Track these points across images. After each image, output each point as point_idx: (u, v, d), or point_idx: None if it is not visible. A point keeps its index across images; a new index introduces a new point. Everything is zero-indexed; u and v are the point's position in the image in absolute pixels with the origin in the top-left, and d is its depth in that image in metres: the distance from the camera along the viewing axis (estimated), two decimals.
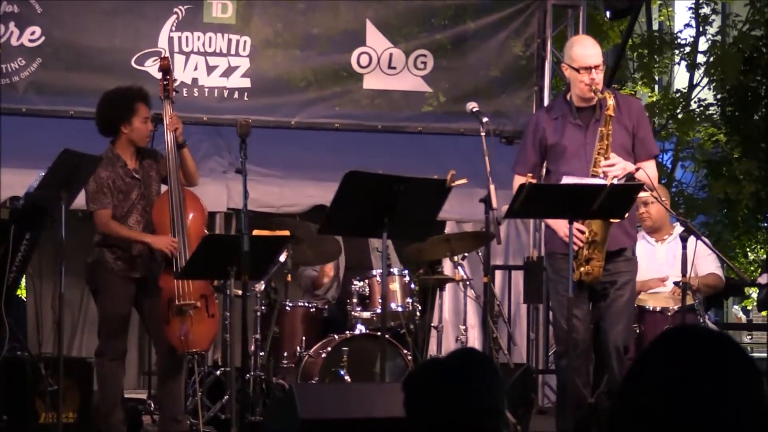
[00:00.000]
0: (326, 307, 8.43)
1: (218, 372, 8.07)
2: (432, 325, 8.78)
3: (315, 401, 5.87)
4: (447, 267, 9.31)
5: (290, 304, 8.23)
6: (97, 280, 7.29)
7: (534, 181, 6.60)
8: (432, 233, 7.83)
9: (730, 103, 17.54)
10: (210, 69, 9.72)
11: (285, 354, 8.14)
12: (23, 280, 8.25)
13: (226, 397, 7.69)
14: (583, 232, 6.62)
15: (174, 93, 7.51)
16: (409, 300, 8.09)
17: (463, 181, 6.93)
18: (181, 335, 7.19)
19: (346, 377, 7.67)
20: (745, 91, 17.29)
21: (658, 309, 7.84)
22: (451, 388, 2.76)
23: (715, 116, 17.68)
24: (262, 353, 7.98)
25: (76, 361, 8.06)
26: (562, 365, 6.86)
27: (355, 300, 8.08)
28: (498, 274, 10.06)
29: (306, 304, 8.32)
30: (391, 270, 8.07)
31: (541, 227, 8.66)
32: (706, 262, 8.17)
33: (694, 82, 17.53)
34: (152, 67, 9.37)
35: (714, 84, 17.26)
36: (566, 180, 6.63)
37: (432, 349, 8.76)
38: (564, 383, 6.92)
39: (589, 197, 6.37)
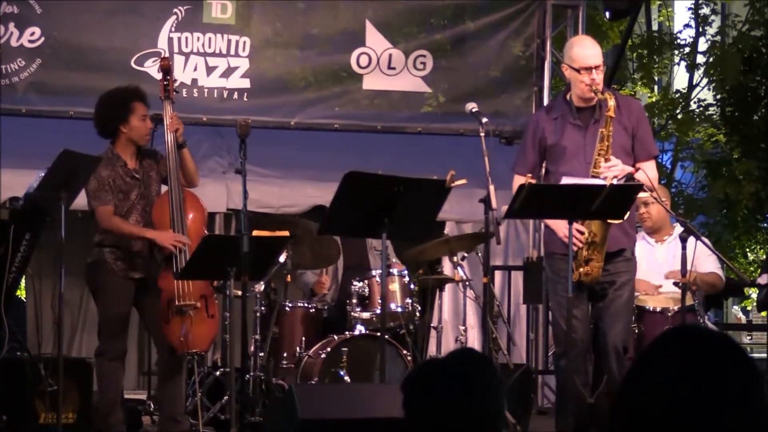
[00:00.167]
0: (326, 307, 8.43)
1: (218, 372, 8.07)
2: (431, 325, 8.78)
3: (314, 402, 5.87)
4: (446, 267, 9.31)
5: (290, 305, 8.23)
6: (97, 280, 7.29)
7: (533, 181, 6.60)
8: (432, 234, 7.84)
9: (730, 103, 17.54)
10: (210, 69, 9.72)
11: (284, 354, 8.14)
12: (23, 280, 8.25)
13: (225, 397, 7.70)
14: (582, 233, 6.63)
15: (174, 93, 7.51)
16: (409, 300, 8.09)
17: (463, 181, 6.93)
18: (180, 336, 7.19)
19: (346, 378, 7.67)
20: (745, 92, 17.29)
21: (658, 309, 7.83)
22: (450, 388, 2.75)
23: (714, 116, 17.68)
24: (261, 354, 7.99)
25: (75, 362, 8.06)
26: (562, 365, 6.86)
27: (354, 300, 8.08)
28: (497, 274, 10.06)
29: (305, 305, 8.32)
30: (391, 270, 8.07)
31: (540, 228, 8.65)
32: (706, 262, 8.17)
33: (694, 83, 17.53)
34: (152, 68, 9.37)
35: (713, 84, 17.26)
36: (566, 180, 6.63)
37: (431, 350, 8.77)
38: (563, 383, 6.92)
39: (589, 197, 6.36)
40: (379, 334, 7.07)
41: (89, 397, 7.58)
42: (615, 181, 6.52)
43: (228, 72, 9.75)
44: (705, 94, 17.74)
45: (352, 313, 8.06)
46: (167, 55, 9.25)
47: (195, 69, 9.70)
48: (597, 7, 13.92)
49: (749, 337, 18.12)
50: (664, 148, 17.17)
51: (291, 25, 9.95)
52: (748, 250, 18.76)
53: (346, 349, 7.74)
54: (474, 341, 9.47)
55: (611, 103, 6.65)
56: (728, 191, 16.64)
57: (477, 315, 9.47)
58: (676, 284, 7.64)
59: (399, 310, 8.01)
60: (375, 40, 10.03)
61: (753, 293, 15.90)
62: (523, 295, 9.96)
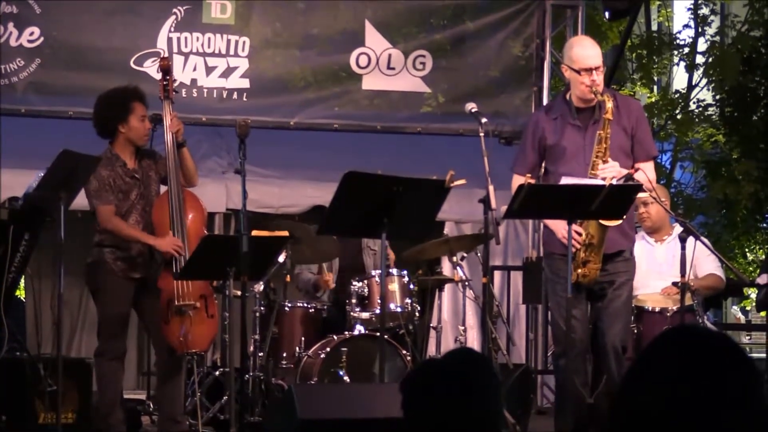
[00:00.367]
0: (325, 307, 8.42)
1: (217, 372, 8.07)
2: (431, 325, 8.78)
3: (314, 402, 5.87)
4: (446, 267, 9.31)
5: (289, 305, 8.23)
6: (97, 280, 7.29)
7: (533, 181, 6.60)
8: (431, 234, 7.84)
9: (729, 103, 17.54)
10: (209, 69, 9.72)
11: (284, 354, 8.14)
12: (22, 280, 8.25)
13: (225, 397, 7.70)
14: (580, 234, 6.63)
15: (174, 93, 7.51)
16: (408, 300, 8.08)
17: (462, 181, 6.93)
18: (180, 336, 7.19)
19: (345, 378, 7.67)
20: (744, 92, 17.29)
21: (657, 309, 7.83)
22: (449, 388, 2.75)
23: (714, 117, 17.68)
24: (261, 354, 7.98)
25: (75, 362, 8.06)
26: (561, 365, 6.86)
27: (354, 300, 8.08)
28: (497, 274, 10.06)
29: (305, 305, 8.31)
30: (390, 270, 8.07)
31: (539, 228, 8.66)
32: (706, 262, 8.17)
33: (693, 83, 17.53)
34: (151, 68, 9.38)
35: (713, 85, 17.26)
36: (565, 180, 6.63)
37: (431, 350, 8.77)
38: (563, 383, 6.92)
39: (588, 197, 6.37)
40: (378, 334, 7.07)
41: (89, 397, 7.58)
42: (614, 182, 6.52)
43: (227, 72, 9.76)
44: (704, 94, 17.74)
45: (352, 313, 8.06)
46: (167, 55, 9.25)
47: (194, 69, 9.70)
48: (596, 7, 13.92)
49: (748, 337, 18.10)
50: (663, 148, 17.17)
51: (290, 25, 9.95)
52: (747, 250, 18.77)
53: (345, 349, 7.73)
54: (473, 341, 9.47)
55: (609, 105, 6.65)
56: (727, 191, 16.65)
57: (476, 315, 9.46)
58: (675, 284, 7.64)
59: (398, 310, 8.01)
60: (374, 40, 10.03)
61: (752, 293, 15.90)
62: (522, 296, 9.97)
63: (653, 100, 17.54)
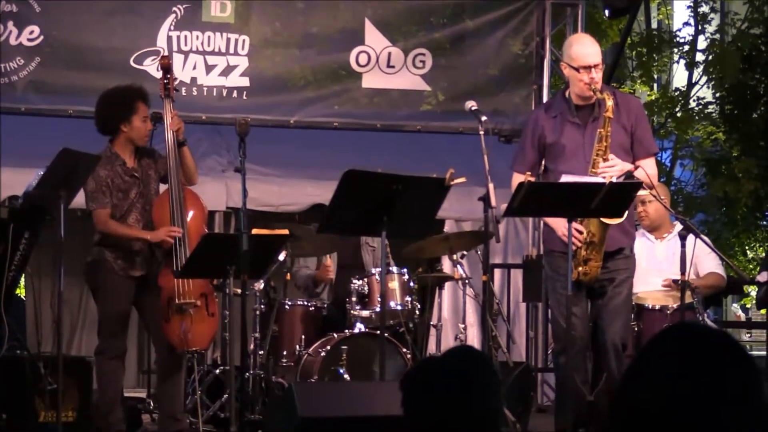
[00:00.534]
0: (325, 305, 8.43)
1: (218, 371, 8.08)
2: (431, 323, 8.78)
3: (314, 400, 5.87)
4: (446, 265, 9.31)
5: (289, 303, 8.23)
6: (97, 278, 7.29)
7: (533, 179, 6.60)
8: (431, 232, 7.84)
9: (729, 101, 17.54)
10: (209, 68, 9.72)
11: (284, 353, 8.14)
12: (22, 279, 8.25)
13: (225, 395, 7.70)
14: (581, 233, 6.63)
15: (174, 92, 7.51)
16: (408, 298, 8.08)
17: (462, 179, 6.93)
18: (180, 334, 7.19)
19: (346, 376, 7.67)
20: (744, 90, 17.28)
21: (657, 307, 7.83)
22: (449, 386, 2.76)
23: (714, 115, 17.67)
24: (261, 352, 7.99)
25: (75, 360, 8.06)
26: (561, 363, 6.86)
27: (354, 298, 8.08)
28: (497, 272, 10.06)
29: (305, 303, 8.32)
30: (391, 268, 8.07)
31: (540, 226, 8.66)
32: (707, 260, 8.17)
33: (693, 81, 17.53)
34: (151, 66, 9.38)
35: (713, 82, 17.26)
36: (565, 178, 6.63)
37: (431, 348, 8.77)
38: (563, 381, 6.92)
39: (588, 195, 6.36)
40: (378, 332, 7.08)
41: (89, 395, 7.59)
42: (614, 179, 6.52)
43: (227, 71, 9.75)
44: (704, 92, 17.74)
45: (352, 312, 8.06)
46: (166, 53, 9.25)
47: (194, 67, 9.70)
48: (596, 5, 13.93)
49: (749, 335, 18.10)
50: (663, 146, 17.16)
51: (290, 23, 9.95)
52: (747, 247, 18.77)
53: (345, 347, 7.74)
54: (473, 339, 9.47)
55: (609, 103, 6.65)
56: (727, 189, 16.64)
57: (476, 313, 9.47)
58: (675, 282, 7.64)
59: (398, 308, 8.01)
60: (374, 39, 10.03)
61: (752, 291, 15.89)
62: (522, 293, 9.97)
63: (653, 98, 17.54)
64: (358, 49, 10.00)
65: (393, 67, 10.06)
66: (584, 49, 6.83)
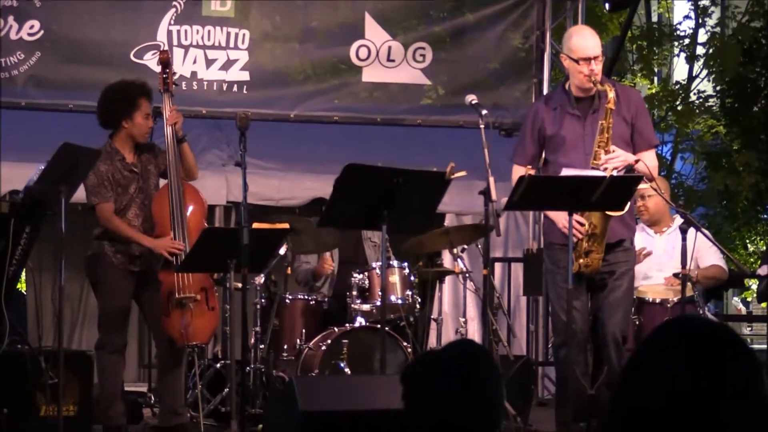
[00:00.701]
0: (326, 299, 8.42)
1: (218, 365, 8.08)
2: (432, 317, 8.78)
3: (315, 393, 5.87)
4: (446, 259, 9.31)
5: (290, 297, 8.23)
6: (97, 273, 7.29)
7: (533, 172, 6.60)
8: (431, 226, 7.83)
9: (730, 94, 17.54)
10: (209, 62, 9.72)
11: (285, 347, 8.14)
12: (23, 273, 8.25)
13: (226, 389, 7.70)
14: (582, 224, 6.63)
15: (174, 86, 7.50)
16: (409, 292, 8.08)
17: (463, 173, 6.93)
18: (181, 328, 7.19)
19: (346, 369, 7.67)
20: (745, 83, 17.29)
21: (657, 300, 7.83)
22: (449, 380, 2.76)
23: (714, 108, 17.68)
24: (262, 346, 7.99)
25: (76, 355, 8.05)
26: (561, 356, 6.86)
27: (354, 292, 8.08)
28: (497, 266, 10.07)
29: (306, 297, 8.32)
30: (391, 262, 8.07)
31: (540, 219, 8.65)
32: (708, 254, 8.16)
33: (694, 74, 17.53)
34: (151, 61, 9.38)
35: (713, 76, 17.26)
36: (566, 172, 6.62)
37: (432, 342, 8.77)
38: (563, 375, 6.92)
39: (589, 189, 6.36)
40: (379, 326, 7.08)
41: (90, 389, 7.58)
42: (615, 173, 6.52)
43: (227, 65, 9.75)
44: (705, 85, 17.74)
45: (353, 305, 8.06)
46: (166, 47, 9.25)
47: (194, 62, 9.70)
48: None
49: (749, 328, 18.13)
50: (664, 139, 17.17)
51: (290, 17, 9.94)
52: (748, 241, 18.79)
53: (346, 341, 7.73)
54: (474, 333, 9.48)
55: (611, 95, 6.65)
56: (728, 183, 16.65)
57: (477, 307, 9.47)
58: (676, 276, 7.64)
59: (399, 302, 8.01)
60: (374, 33, 10.03)
61: (753, 284, 15.91)
62: (523, 287, 9.97)
63: (654, 91, 17.54)
64: (358, 43, 10.00)
65: (393, 61, 10.06)
66: (584, 41, 6.83)
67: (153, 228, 7.28)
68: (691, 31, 17.52)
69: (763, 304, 10.56)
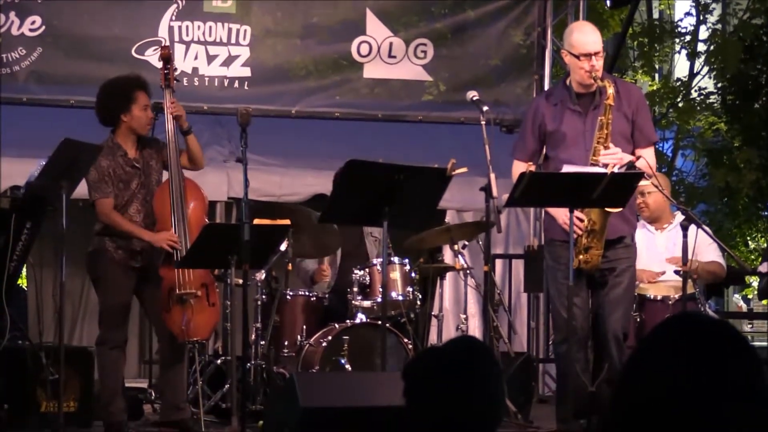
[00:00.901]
0: (326, 296, 8.42)
1: (219, 361, 8.08)
2: (432, 313, 8.78)
3: (316, 390, 5.87)
4: (447, 256, 9.31)
5: (291, 293, 8.23)
6: (98, 268, 7.29)
7: (534, 168, 6.60)
8: (432, 222, 7.83)
9: (731, 91, 17.53)
10: (210, 58, 9.72)
11: (285, 343, 8.14)
12: (24, 269, 8.25)
13: (226, 386, 7.70)
14: (582, 221, 6.62)
15: (175, 82, 7.50)
16: (410, 289, 8.08)
17: (464, 169, 6.92)
18: (182, 324, 7.19)
19: (347, 366, 7.67)
20: (746, 80, 17.27)
21: (658, 297, 7.83)
22: (450, 377, 2.75)
23: (715, 105, 17.67)
24: (262, 342, 7.98)
25: (76, 350, 8.06)
26: (562, 353, 6.86)
27: (355, 289, 8.07)
28: (498, 262, 10.06)
29: (306, 293, 8.31)
30: (392, 259, 8.07)
31: (541, 216, 8.65)
32: (707, 251, 8.16)
33: (695, 71, 17.52)
34: (153, 56, 9.37)
35: (714, 73, 17.24)
36: (566, 168, 6.62)
37: (432, 338, 8.76)
38: (564, 371, 6.92)
39: (590, 186, 6.36)
40: (380, 322, 7.08)
41: (90, 385, 7.59)
42: (616, 170, 6.52)
43: (228, 61, 9.75)
44: (706, 82, 17.73)
45: (353, 302, 8.06)
46: (168, 43, 9.24)
47: (195, 58, 9.70)
48: None
49: (750, 326, 18.10)
50: (664, 136, 17.17)
51: (291, 14, 9.94)
52: (749, 238, 18.77)
53: (347, 337, 7.73)
54: (475, 329, 9.47)
55: (610, 91, 6.65)
56: (729, 180, 16.64)
57: (478, 303, 9.47)
58: (677, 272, 7.64)
59: (400, 298, 8.01)
60: (375, 29, 10.02)
61: (754, 281, 15.90)
62: (524, 284, 9.97)
63: (655, 88, 17.53)
64: (359, 40, 10.00)
65: (394, 57, 10.05)
66: (585, 37, 6.82)
67: (154, 224, 7.28)
68: (692, 27, 17.51)
69: (764, 302, 10.56)
